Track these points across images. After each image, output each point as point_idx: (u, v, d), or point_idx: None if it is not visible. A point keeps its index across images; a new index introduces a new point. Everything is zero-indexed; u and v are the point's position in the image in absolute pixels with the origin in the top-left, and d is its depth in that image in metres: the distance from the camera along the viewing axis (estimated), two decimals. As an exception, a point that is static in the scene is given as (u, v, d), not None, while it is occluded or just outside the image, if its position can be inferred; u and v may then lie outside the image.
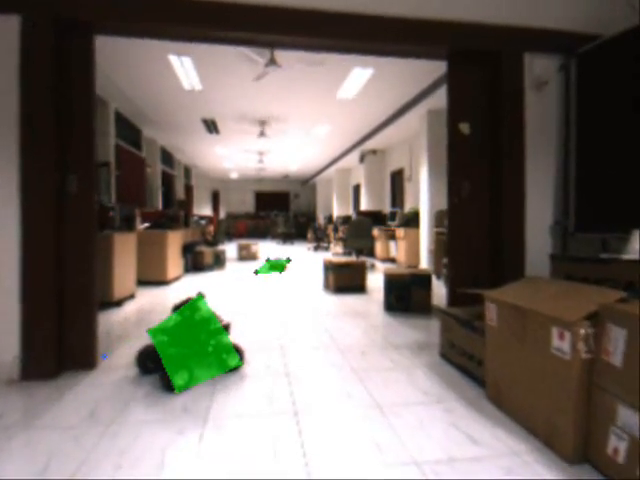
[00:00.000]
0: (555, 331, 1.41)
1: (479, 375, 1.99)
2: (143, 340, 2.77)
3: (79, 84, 2.21)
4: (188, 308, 2.19)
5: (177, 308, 2.21)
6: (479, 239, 2.59)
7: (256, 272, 5.92)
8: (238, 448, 1.46)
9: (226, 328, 2.27)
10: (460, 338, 2.19)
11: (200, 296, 2.24)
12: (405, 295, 3.55)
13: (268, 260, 2.34)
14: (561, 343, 1.39)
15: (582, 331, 1.34)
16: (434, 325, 3.03)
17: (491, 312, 1.79)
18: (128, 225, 4.33)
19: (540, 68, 2.55)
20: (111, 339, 2.79)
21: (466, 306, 2.39)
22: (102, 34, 2.29)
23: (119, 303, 3.81)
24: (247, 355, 2.39)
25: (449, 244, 2.66)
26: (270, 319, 3.36)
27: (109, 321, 3.28)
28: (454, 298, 2.58)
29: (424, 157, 6.26)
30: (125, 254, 3.97)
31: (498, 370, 1.77)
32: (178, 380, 1.96)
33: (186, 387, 1.98)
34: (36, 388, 1.98)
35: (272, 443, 1.49)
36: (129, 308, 3.77)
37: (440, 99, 5.37)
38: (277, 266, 2.35)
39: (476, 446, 1.47)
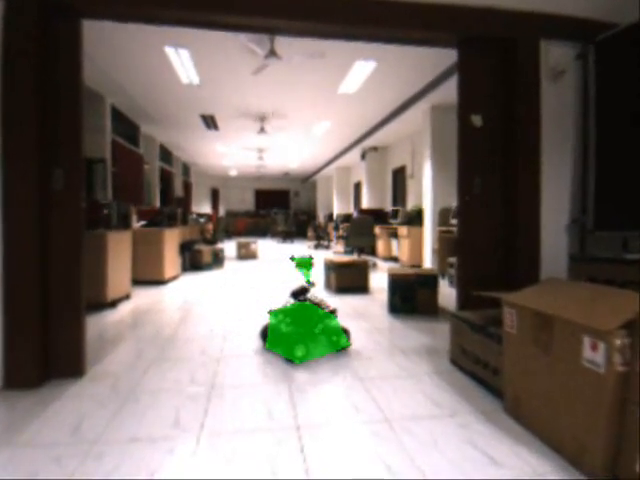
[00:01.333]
0: (587, 341, 1.27)
1: (494, 385, 1.85)
2: (138, 343, 2.64)
3: (66, 71, 2.06)
4: (302, 294, 2.53)
5: (294, 294, 2.55)
6: (491, 238, 2.45)
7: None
8: (231, 465, 1.33)
9: (333, 313, 2.52)
10: (473, 344, 2.05)
11: (312, 284, 2.55)
12: (410, 296, 3.41)
13: (293, 258, 2.56)
14: (594, 354, 1.25)
15: (618, 342, 1.20)
16: (442, 328, 2.90)
17: (510, 318, 1.65)
18: (123, 223, 4.19)
19: (556, 57, 2.41)
20: (103, 343, 2.65)
21: (477, 309, 2.25)
22: (90, 18, 2.14)
23: (113, 304, 3.67)
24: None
25: (459, 243, 2.51)
26: (270, 321, 3.22)
27: (102, 323, 3.15)
28: (464, 300, 2.44)
29: (427, 154, 6.12)
30: (120, 253, 3.82)
31: (518, 381, 1.63)
32: (297, 352, 2.20)
33: (304, 359, 2.21)
34: (18, 398, 1.84)
35: (270, 464, 1.36)
36: (124, 309, 3.64)
37: (444, 94, 5.22)
38: (303, 264, 2.55)
39: (496, 467, 1.34)
